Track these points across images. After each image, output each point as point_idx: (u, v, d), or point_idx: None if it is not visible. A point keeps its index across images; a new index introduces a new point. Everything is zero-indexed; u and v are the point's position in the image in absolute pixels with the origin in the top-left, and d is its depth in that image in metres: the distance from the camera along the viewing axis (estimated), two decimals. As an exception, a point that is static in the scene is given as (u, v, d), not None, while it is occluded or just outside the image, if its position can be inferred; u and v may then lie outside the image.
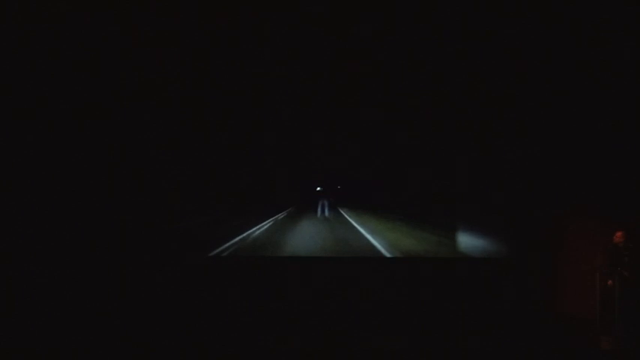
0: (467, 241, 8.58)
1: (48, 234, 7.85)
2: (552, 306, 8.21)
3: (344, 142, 8.81)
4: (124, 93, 8.00)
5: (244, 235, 8.75)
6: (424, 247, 8.64)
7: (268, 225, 8.93)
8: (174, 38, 7.28)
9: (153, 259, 8.36)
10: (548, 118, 8.17)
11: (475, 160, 8.62)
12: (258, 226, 8.86)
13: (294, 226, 9.09)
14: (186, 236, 8.55)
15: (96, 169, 8.28)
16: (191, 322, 7.84)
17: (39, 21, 6.94)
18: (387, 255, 8.60)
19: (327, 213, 9.18)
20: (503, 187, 8.51)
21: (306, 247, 8.82)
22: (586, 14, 6.83)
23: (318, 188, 9.24)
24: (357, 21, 7.01)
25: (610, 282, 7.07)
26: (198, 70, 7.83)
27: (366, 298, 8.30)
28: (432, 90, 8.11)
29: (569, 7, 6.76)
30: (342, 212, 9.22)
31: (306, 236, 8.93)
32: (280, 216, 9.10)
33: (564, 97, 7.90)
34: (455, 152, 8.67)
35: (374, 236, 8.85)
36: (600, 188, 8.01)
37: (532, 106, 8.12)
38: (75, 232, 8.05)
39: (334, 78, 7.93)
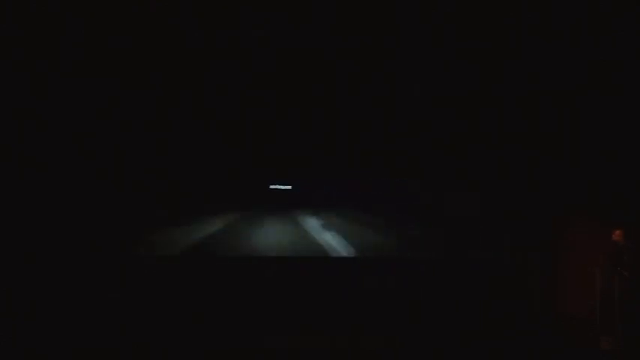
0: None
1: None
2: (552, 306, 8.21)
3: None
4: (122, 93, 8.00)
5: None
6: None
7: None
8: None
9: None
10: (549, 118, 8.17)
11: (474, 159, 8.61)
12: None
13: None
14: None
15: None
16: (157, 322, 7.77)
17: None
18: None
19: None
20: (503, 187, 8.51)
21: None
22: (587, 14, 6.85)
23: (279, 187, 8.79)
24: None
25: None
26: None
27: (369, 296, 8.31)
28: (431, 87, 8.10)
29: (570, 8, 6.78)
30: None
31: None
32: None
33: (564, 97, 7.91)
34: (454, 150, 8.66)
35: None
36: (600, 189, 8.01)
37: (533, 106, 8.12)
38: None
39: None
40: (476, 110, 8.31)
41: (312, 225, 8.85)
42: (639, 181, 7.81)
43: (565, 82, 7.73)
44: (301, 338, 7.40)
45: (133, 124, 8.34)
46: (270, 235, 8.68)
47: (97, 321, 7.58)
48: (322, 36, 7.30)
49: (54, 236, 7.90)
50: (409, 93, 8.18)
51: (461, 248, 8.57)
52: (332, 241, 8.73)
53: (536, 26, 7.09)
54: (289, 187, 8.85)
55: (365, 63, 7.73)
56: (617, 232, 7.27)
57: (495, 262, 8.45)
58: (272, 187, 8.80)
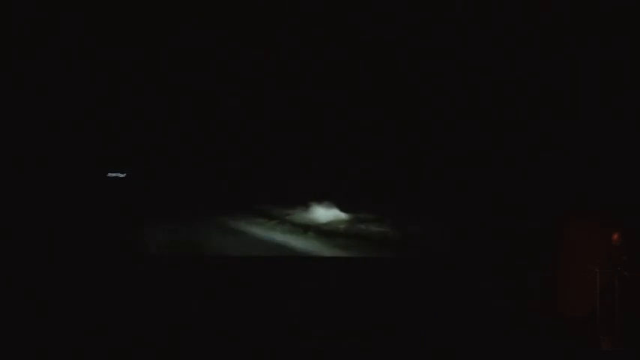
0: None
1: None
2: (552, 306, 8.22)
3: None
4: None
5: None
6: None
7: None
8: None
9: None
10: (549, 118, 8.17)
11: (473, 158, 8.61)
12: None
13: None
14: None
15: None
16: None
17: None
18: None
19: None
20: (503, 187, 8.51)
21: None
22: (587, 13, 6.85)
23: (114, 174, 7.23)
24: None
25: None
26: None
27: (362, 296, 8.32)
28: (427, 83, 8.07)
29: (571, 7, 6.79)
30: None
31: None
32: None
33: (564, 97, 7.91)
34: (453, 150, 8.64)
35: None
36: (600, 189, 8.02)
37: (533, 106, 8.12)
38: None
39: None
40: (476, 110, 8.31)
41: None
42: (639, 181, 7.82)
43: (565, 82, 7.74)
44: (302, 338, 7.40)
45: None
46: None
47: (97, 321, 7.58)
48: None
49: (53, 236, 7.91)
50: (408, 92, 8.19)
51: (461, 248, 8.58)
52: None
53: (536, 26, 7.09)
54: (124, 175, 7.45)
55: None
56: (615, 235, 7.30)
57: (495, 261, 8.45)
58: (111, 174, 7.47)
